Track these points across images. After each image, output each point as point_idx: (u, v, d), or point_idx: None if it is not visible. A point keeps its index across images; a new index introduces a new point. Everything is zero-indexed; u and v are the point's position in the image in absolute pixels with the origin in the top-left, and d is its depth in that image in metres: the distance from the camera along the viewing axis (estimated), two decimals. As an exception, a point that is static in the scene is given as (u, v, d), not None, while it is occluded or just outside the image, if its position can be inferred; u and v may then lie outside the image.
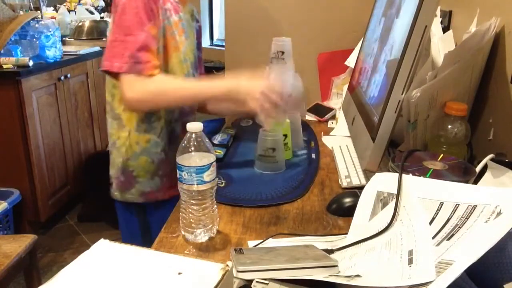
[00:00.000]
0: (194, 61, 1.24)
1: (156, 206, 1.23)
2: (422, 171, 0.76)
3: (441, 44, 1.17)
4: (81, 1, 3.68)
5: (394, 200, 0.68)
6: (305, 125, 1.57)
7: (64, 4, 3.58)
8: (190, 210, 0.79)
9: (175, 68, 1.14)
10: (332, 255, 0.69)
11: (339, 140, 1.36)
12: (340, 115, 1.47)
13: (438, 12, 1.32)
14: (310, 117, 1.65)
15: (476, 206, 0.58)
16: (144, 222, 1.24)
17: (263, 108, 0.98)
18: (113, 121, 1.19)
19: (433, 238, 0.58)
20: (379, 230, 0.67)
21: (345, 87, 1.52)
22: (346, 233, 0.76)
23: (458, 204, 0.61)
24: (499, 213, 0.54)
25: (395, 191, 0.70)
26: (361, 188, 0.81)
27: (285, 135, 1.17)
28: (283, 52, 1.21)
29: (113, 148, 1.22)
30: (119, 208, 1.25)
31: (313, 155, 1.25)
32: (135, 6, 1.01)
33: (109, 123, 1.21)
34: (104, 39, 3.08)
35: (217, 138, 1.30)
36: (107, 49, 1.04)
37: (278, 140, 1.12)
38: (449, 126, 0.94)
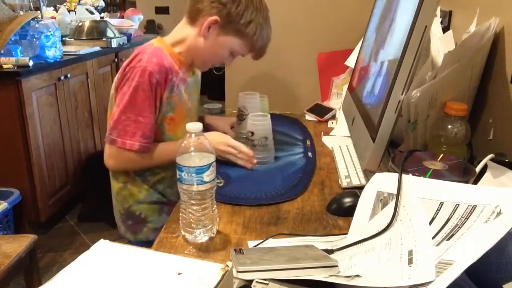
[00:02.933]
0: (196, 120, 1.26)
1: None
2: (422, 171, 0.76)
3: (441, 44, 1.17)
4: (81, 1, 3.68)
5: (394, 200, 0.68)
6: (300, 124, 1.57)
7: (64, 4, 3.59)
8: (190, 210, 0.79)
9: (180, 135, 1.18)
10: (332, 255, 0.69)
11: (339, 140, 1.36)
12: (340, 115, 1.47)
13: (438, 12, 1.32)
14: (310, 117, 1.66)
15: (476, 206, 0.58)
16: None
17: (226, 157, 1.14)
18: (110, 171, 1.22)
19: (433, 238, 0.58)
20: (379, 230, 0.67)
21: (345, 87, 1.52)
22: (346, 233, 0.76)
23: (458, 204, 0.61)
24: (499, 213, 0.54)
25: (395, 191, 0.70)
26: (361, 188, 0.81)
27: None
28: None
29: (113, 195, 1.25)
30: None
31: (309, 154, 1.26)
32: (147, 89, 1.07)
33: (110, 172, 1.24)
34: (104, 39, 3.08)
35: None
36: (118, 124, 1.08)
37: (269, 129, 1.17)
38: (449, 126, 0.95)
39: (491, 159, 0.83)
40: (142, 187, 1.21)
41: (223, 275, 0.50)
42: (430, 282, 0.50)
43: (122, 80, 1.09)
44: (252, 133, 1.16)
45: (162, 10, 5.51)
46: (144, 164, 1.15)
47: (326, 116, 1.61)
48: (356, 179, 1.04)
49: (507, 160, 0.83)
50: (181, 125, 1.17)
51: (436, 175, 0.74)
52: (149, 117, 1.09)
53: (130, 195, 1.21)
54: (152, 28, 5.22)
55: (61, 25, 3.10)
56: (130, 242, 1.26)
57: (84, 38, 3.07)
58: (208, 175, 0.77)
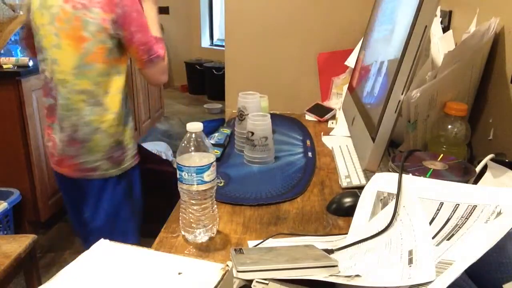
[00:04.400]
0: None
1: (138, 170, 1.50)
2: (422, 171, 0.76)
3: (441, 44, 1.17)
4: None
5: (394, 200, 0.68)
6: (300, 124, 1.57)
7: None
8: (190, 210, 0.79)
9: None
10: (332, 255, 0.69)
11: (339, 140, 1.36)
12: (340, 115, 1.47)
13: (438, 12, 1.32)
14: (310, 117, 1.66)
15: (476, 206, 0.58)
16: (130, 190, 1.46)
17: None
18: (94, 108, 1.31)
19: (433, 238, 0.58)
20: (379, 230, 0.67)
21: (345, 87, 1.52)
22: (346, 233, 0.76)
23: (458, 204, 0.61)
24: (499, 213, 0.54)
25: (395, 191, 0.70)
26: (361, 188, 0.81)
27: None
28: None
29: (94, 134, 1.32)
30: (112, 184, 1.41)
31: (309, 154, 1.26)
32: (138, 7, 1.32)
33: (86, 112, 1.31)
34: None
35: (214, 138, 1.32)
36: (148, 41, 1.33)
37: (269, 129, 1.18)
38: (449, 126, 0.95)
39: (491, 159, 0.83)
40: (128, 111, 1.41)
41: (223, 275, 0.50)
42: (430, 282, 0.50)
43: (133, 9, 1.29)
44: (252, 133, 1.16)
45: (162, 10, 5.51)
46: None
47: (326, 116, 1.61)
48: (356, 179, 1.04)
49: (507, 160, 0.83)
50: None
51: (436, 175, 0.74)
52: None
53: (119, 123, 1.37)
54: (152, 28, 5.20)
55: (61, 25, 3.09)
56: (104, 183, 1.39)
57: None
58: (208, 175, 0.77)
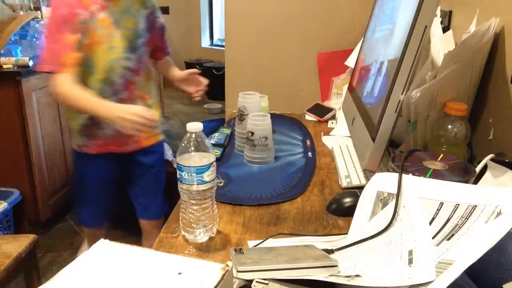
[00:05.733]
0: (129, 44, 1.38)
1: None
2: (422, 171, 0.76)
3: (441, 44, 1.17)
4: (81, 1, 3.67)
5: (394, 200, 0.68)
6: (300, 124, 1.57)
7: (64, 4, 3.57)
8: (190, 210, 0.79)
9: (100, 56, 1.34)
10: (332, 255, 0.69)
11: (339, 140, 1.36)
12: (340, 115, 1.47)
13: (438, 12, 1.32)
14: (310, 117, 1.66)
15: (476, 206, 0.58)
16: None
17: (127, 128, 1.21)
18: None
19: (433, 238, 0.58)
20: (379, 230, 0.67)
21: (345, 87, 1.52)
22: (346, 233, 0.76)
23: (458, 204, 0.61)
24: (499, 213, 0.54)
25: (395, 191, 0.70)
26: (361, 188, 0.81)
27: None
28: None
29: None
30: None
31: (309, 154, 1.26)
32: (55, 17, 1.29)
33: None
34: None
35: (214, 138, 1.32)
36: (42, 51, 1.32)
37: (269, 129, 1.18)
38: (449, 126, 0.94)
39: (491, 159, 0.83)
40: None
41: (223, 275, 0.50)
42: (430, 282, 0.50)
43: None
44: (252, 133, 1.16)
45: (162, 10, 5.50)
46: (66, 94, 1.31)
47: (326, 116, 1.61)
48: (356, 179, 1.04)
49: (507, 160, 0.83)
50: (96, 50, 1.33)
51: (436, 175, 0.74)
52: (57, 42, 1.29)
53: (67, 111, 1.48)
54: (152, 28, 5.21)
55: (61, 25, 3.09)
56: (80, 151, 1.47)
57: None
58: (208, 175, 0.77)
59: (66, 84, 1.28)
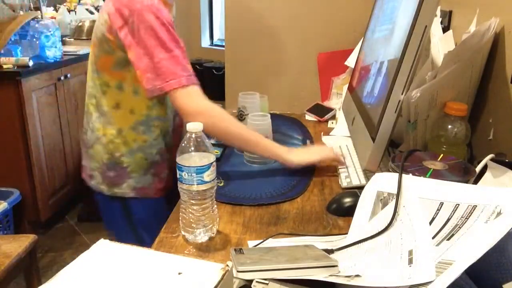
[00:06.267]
0: None
1: (142, 203, 1.27)
2: (422, 171, 0.76)
3: (441, 44, 1.17)
4: (81, 1, 3.68)
5: (394, 200, 0.68)
6: (300, 124, 1.57)
7: (64, 4, 3.58)
8: (190, 210, 0.79)
9: None
10: (332, 255, 0.69)
11: (339, 140, 1.36)
12: (340, 115, 1.47)
13: (438, 12, 1.32)
14: (310, 117, 1.65)
15: (476, 206, 0.58)
16: (128, 216, 1.28)
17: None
18: (100, 117, 1.21)
19: (433, 238, 0.58)
20: (379, 230, 0.67)
21: (345, 87, 1.52)
22: (346, 233, 0.76)
23: (458, 204, 0.61)
24: (499, 213, 0.54)
25: (395, 191, 0.70)
26: (361, 188, 0.81)
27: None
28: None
29: (96, 143, 1.23)
30: (103, 200, 1.28)
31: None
32: (163, 23, 1.04)
33: (94, 117, 1.22)
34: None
35: (214, 138, 1.31)
36: (149, 71, 1.05)
37: (269, 129, 1.17)
38: (449, 126, 0.94)
39: (491, 159, 0.83)
40: (142, 136, 1.20)
41: (223, 275, 0.50)
42: (430, 282, 0.50)
43: (131, 30, 1.04)
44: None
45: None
46: (221, 115, 1.09)
47: (326, 116, 1.61)
48: (356, 179, 1.04)
49: (507, 160, 0.83)
50: None
51: (436, 175, 0.74)
52: (178, 49, 1.06)
53: (123, 144, 1.19)
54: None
55: (61, 25, 3.09)
56: (98, 195, 1.27)
57: (84, 38, 3.07)
58: (208, 175, 0.77)
59: (216, 108, 1.07)
